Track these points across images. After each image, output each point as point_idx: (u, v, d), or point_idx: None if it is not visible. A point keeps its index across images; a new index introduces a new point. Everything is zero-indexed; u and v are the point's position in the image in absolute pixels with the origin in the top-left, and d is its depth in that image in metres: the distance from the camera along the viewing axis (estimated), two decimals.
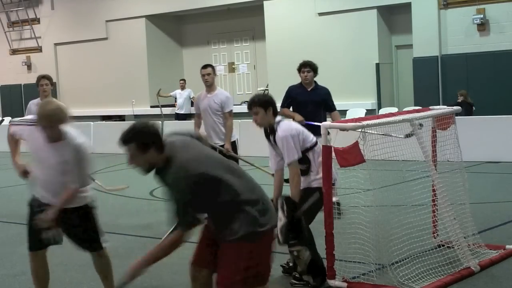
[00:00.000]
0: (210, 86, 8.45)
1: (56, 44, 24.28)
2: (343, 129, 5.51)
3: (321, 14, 18.60)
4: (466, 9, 16.48)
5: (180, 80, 20.69)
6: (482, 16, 16.14)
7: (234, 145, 8.34)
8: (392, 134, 5.76)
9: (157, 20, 22.21)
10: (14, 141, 5.26)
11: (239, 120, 13.64)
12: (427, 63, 16.93)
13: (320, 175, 5.54)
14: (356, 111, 17.05)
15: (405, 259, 5.68)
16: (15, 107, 23.81)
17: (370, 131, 5.52)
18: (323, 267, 5.60)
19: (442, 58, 16.85)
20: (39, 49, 24.68)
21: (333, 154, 5.40)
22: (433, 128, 6.31)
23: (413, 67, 17.31)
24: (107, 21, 22.78)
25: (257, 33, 20.78)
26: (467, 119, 13.55)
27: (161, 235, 7.87)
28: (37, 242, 5.04)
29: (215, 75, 8.57)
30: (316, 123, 7.14)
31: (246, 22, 21.17)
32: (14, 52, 25.37)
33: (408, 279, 5.40)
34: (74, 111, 25.88)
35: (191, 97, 20.28)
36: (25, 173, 5.19)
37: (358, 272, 5.66)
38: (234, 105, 9.26)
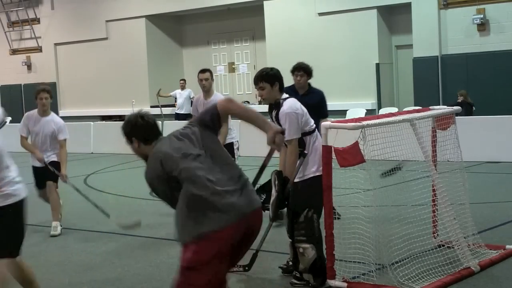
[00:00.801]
0: (207, 92, 8.39)
1: (56, 44, 24.27)
2: (348, 129, 5.45)
3: (321, 14, 18.61)
4: (466, 9, 16.47)
5: (180, 80, 20.69)
6: (482, 16, 16.14)
7: (231, 147, 8.29)
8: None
9: (157, 20, 22.21)
10: None
11: (240, 120, 13.61)
12: (427, 63, 16.93)
13: (317, 164, 5.55)
14: (356, 111, 17.05)
15: (405, 259, 5.68)
16: (15, 107, 23.79)
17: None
18: (325, 268, 5.59)
19: (442, 58, 16.85)
20: (39, 49, 24.68)
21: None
22: (433, 128, 6.31)
23: (413, 67, 17.31)
24: (107, 21, 22.78)
25: (257, 33, 20.78)
26: (467, 119, 13.55)
27: (161, 235, 7.91)
28: None
29: (213, 80, 8.48)
30: None
31: (246, 22, 21.17)
32: (14, 52, 25.37)
33: (408, 279, 5.40)
34: (74, 111, 26.05)
35: (191, 97, 20.26)
36: None
37: (358, 272, 5.65)
38: None
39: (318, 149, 5.58)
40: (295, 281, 5.68)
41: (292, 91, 7.84)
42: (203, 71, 8.50)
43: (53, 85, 24.12)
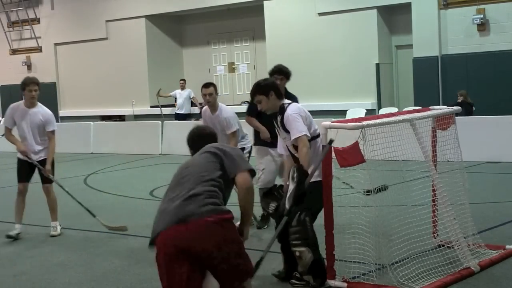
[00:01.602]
0: (212, 106, 8.20)
1: (56, 44, 24.27)
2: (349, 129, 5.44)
3: (321, 14, 18.60)
4: (466, 9, 16.47)
5: (180, 80, 20.70)
6: (482, 16, 16.14)
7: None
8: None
9: (157, 20, 22.20)
10: None
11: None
12: (427, 63, 16.93)
13: (319, 169, 5.53)
14: (356, 111, 17.05)
15: (405, 259, 5.68)
16: None
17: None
18: (324, 269, 5.59)
19: (442, 58, 16.85)
20: (39, 49, 24.67)
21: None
22: (433, 128, 6.31)
23: (413, 67, 17.31)
24: (107, 21, 22.77)
25: (257, 33, 20.78)
26: (467, 119, 13.55)
27: None
28: None
29: (217, 94, 8.18)
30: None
31: (246, 22, 21.17)
32: (14, 52, 25.36)
33: (408, 279, 5.40)
34: (74, 111, 26.05)
35: (191, 97, 20.29)
36: None
37: (358, 272, 5.65)
38: (234, 105, 9.22)
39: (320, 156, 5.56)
40: (295, 282, 5.68)
41: None
42: (206, 85, 8.19)
43: (53, 85, 24.14)
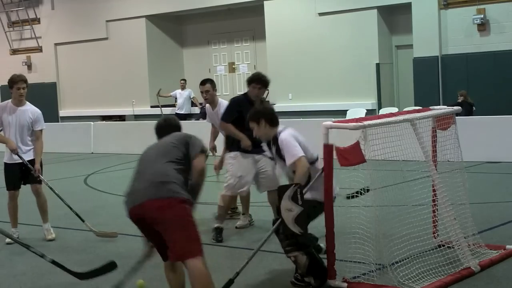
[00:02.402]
0: (211, 103, 8.20)
1: (56, 44, 24.28)
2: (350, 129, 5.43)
3: (321, 14, 18.61)
4: (466, 9, 16.48)
5: (181, 80, 20.71)
6: (482, 16, 16.14)
7: None
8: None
9: (157, 20, 22.21)
10: None
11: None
12: (427, 63, 16.93)
13: (321, 192, 5.50)
14: (356, 111, 17.05)
15: (405, 259, 5.67)
16: None
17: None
18: (323, 269, 5.58)
19: (442, 58, 16.85)
20: (39, 49, 24.68)
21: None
22: (433, 128, 6.31)
23: (413, 67, 17.32)
24: (107, 21, 22.78)
25: (257, 33, 20.78)
26: (467, 119, 13.54)
27: None
28: None
29: (214, 91, 8.12)
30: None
31: (246, 22, 21.17)
32: (14, 52, 25.37)
33: (408, 279, 5.40)
34: (74, 111, 26.02)
35: (191, 97, 20.29)
36: None
37: (358, 272, 5.65)
38: None
39: (321, 177, 5.53)
40: (296, 282, 5.68)
41: (247, 103, 7.50)
42: (203, 82, 8.17)
43: (53, 85, 24.16)
